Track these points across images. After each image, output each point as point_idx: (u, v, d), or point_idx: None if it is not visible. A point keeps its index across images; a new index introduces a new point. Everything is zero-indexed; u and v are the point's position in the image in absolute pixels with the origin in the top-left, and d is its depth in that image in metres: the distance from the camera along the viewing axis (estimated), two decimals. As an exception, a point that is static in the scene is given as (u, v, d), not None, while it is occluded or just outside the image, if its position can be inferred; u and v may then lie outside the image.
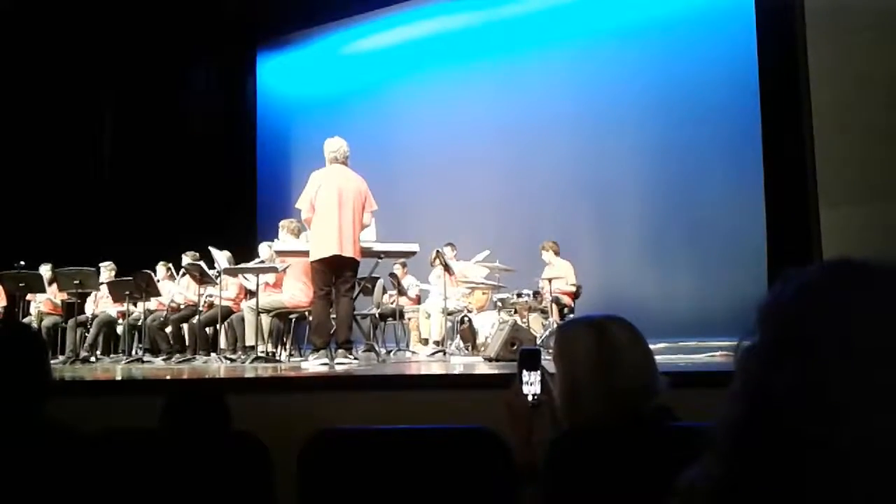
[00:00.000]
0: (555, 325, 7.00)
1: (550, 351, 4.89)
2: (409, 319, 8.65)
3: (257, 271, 6.74)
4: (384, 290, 8.79)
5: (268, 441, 1.68)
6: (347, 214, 5.64)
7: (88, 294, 8.74)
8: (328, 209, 5.62)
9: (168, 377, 3.94)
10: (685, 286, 9.27)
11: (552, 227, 9.74)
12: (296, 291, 6.58)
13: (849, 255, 0.79)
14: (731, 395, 0.78)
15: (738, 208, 8.56)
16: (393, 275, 8.59)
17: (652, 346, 5.80)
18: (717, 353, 5.26)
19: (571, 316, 7.50)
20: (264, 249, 7.48)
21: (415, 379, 2.83)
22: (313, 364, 5.46)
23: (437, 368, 4.81)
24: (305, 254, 5.87)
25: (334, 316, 5.91)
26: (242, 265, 7.17)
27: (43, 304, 8.64)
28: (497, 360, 5.01)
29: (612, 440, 1.55)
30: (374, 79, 12.12)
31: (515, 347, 5.06)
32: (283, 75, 13.15)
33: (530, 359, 1.84)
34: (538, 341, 6.06)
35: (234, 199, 12.00)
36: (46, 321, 8.47)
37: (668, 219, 9.50)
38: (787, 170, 6.25)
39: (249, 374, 4.17)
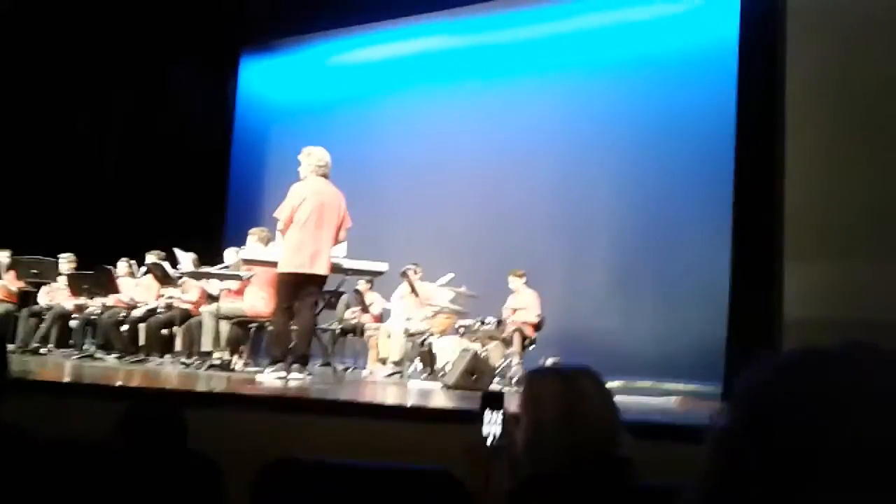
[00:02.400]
0: (515, 356, 7.02)
1: (512, 383, 4.88)
2: (370, 337, 8.58)
3: (221, 277, 6.65)
4: (347, 306, 8.73)
5: (220, 462, 1.65)
6: (326, 232, 5.59)
7: (43, 284, 8.54)
8: (308, 224, 5.55)
9: (126, 383, 3.83)
10: (647, 325, 9.34)
11: (521, 255, 9.76)
12: (257, 300, 6.51)
13: (814, 344, 0.82)
14: (701, 475, 0.79)
15: (706, 253, 8.67)
16: (357, 291, 8.54)
17: (609, 384, 5.80)
18: (674, 399, 5.29)
19: (533, 347, 7.52)
20: (230, 255, 7.39)
21: (373, 408, 2.80)
22: (269, 377, 5.38)
23: (394, 395, 4.77)
24: (273, 264, 5.79)
25: (295, 328, 5.85)
26: (206, 269, 7.07)
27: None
28: (455, 388, 4.99)
29: (573, 490, 1.55)
30: (357, 92, 12.11)
31: (475, 377, 5.05)
32: (266, 80, 13.09)
33: (494, 400, 1.83)
34: (497, 371, 6.06)
35: (203, 200, 11.84)
36: (-1, 308, 8.26)
37: (636, 257, 9.58)
38: (756, 218, 6.35)
39: (205, 388, 4.09)
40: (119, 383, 3.76)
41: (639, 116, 9.88)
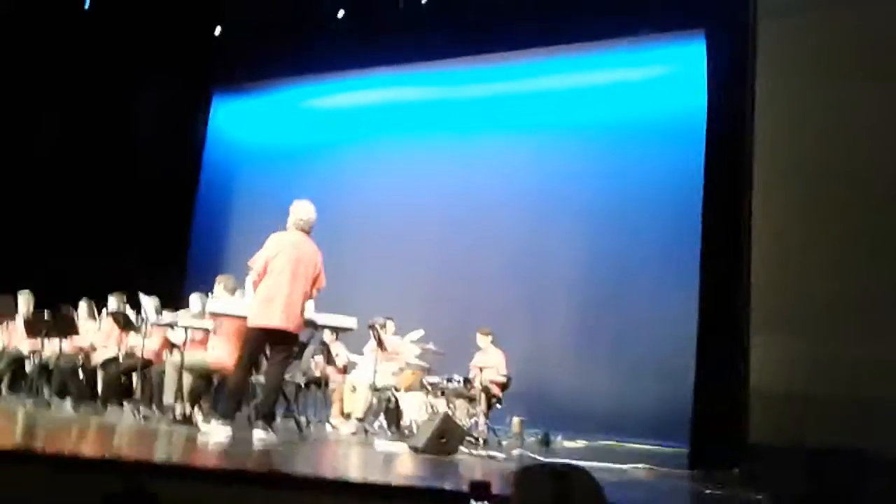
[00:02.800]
0: (482, 415, 6.97)
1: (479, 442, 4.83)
2: (333, 390, 8.47)
3: (188, 328, 6.53)
4: (311, 357, 8.62)
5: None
6: (298, 287, 5.52)
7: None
8: (281, 278, 5.48)
9: (92, 450, 3.66)
10: (611, 384, 9.39)
11: (484, 310, 9.78)
12: (222, 352, 6.37)
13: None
14: None
15: (670, 316, 8.77)
16: (323, 342, 8.44)
17: (570, 444, 5.77)
18: (641, 466, 5.29)
19: (499, 407, 7.49)
20: (196, 301, 7.24)
21: (351, 487, 2.74)
22: (217, 432, 5.25)
23: (365, 463, 4.69)
24: (243, 318, 5.70)
25: (262, 383, 5.76)
26: (170, 317, 6.93)
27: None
28: (425, 452, 4.93)
29: None
30: (327, 137, 12.15)
31: (445, 441, 5.00)
32: (237, 121, 13.07)
33: (481, 489, 1.82)
34: (465, 430, 6.01)
35: (168, 240, 11.67)
36: (-49, 348, 7.99)
37: (600, 316, 9.67)
38: (723, 288, 6.44)
39: (175, 458, 3.98)
40: (83, 451, 3.60)
41: (605, 177, 10.07)
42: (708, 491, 3.86)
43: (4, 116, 10.37)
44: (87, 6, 10.46)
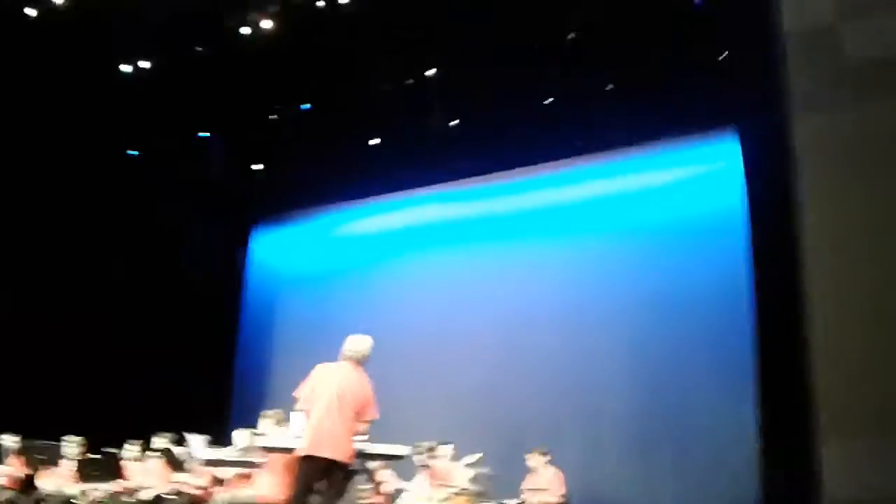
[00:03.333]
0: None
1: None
2: (383, 520, 8.18)
3: (238, 465, 6.43)
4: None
5: None
6: (344, 415, 5.45)
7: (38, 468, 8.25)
8: (325, 406, 5.44)
9: None
10: (671, 495, 8.97)
11: (535, 426, 9.53)
12: (270, 488, 6.23)
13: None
14: None
15: (729, 420, 8.45)
16: (368, 470, 8.20)
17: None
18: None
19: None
20: (242, 437, 7.16)
21: None
22: None
23: None
24: (291, 451, 5.61)
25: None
26: (218, 455, 6.85)
27: (4, 477, 8.11)
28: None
29: None
30: (367, 261, 12.28)
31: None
32: (275, 250, 13.33)
33: None
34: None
35: (210, 375, 11.74)
36: (3, 496, 7.92)
37: (654, 425, 9.33)
38: (781, 389, 6.20)
39: None
40: None
41: (647, 281, 9.94)
42: None
43: (55, 262, 10.74)
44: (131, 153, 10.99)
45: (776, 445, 6.09)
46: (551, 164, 10.87)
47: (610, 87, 9.07)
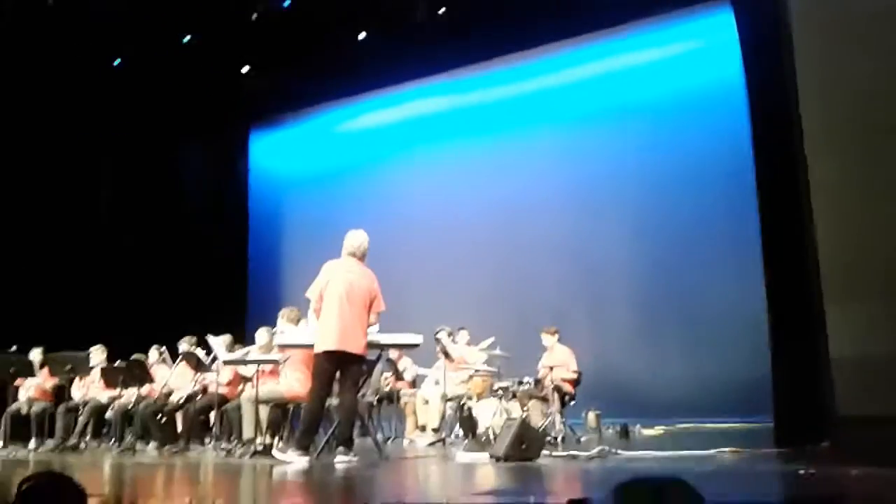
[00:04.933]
0: (557, 414, 6.94)
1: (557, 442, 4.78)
2: (405, 404, 8.54)
3: (258, 363, 6.65)
4: (380, 373, 8.69)
5: None
6: (354, 310, 5.60)
7: (74, 378, 8.57)
8: (336, 303, 5.58)
9: None
10: (679, 366, 9.28)
11: (544, 307, 9.75)
12: (294, 382, 6.48)
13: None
14: None
15: (736, 290, 8.61)
16: (389, 359, 8.50)
17: (649, 433, 5.66)
18: (727, 449, 5.19)
19: (573, 404, 7.44)
20: (262, 335, 7.37)
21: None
22: (296, 461, 5.36)
23: (451, 477, 4.69)
24: (309, 346, 5.79)
25: (337, 407, 5.82)
26: (242, 356, 7.07)
27: (34, 389, 8.44)
28: (506, 459, 4.93)
29: None
30: (366, 157, 12.26)
31: (524, 446, 4.99)
32: (275, 154, 13.29)
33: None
34: (543, 433, 5.99)
35: (225, 278, 11.98)
36: (36, 407, 8.27)
37: (662, 298, 9.55)
38: (787, 256, 6.25)
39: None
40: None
41: (650, 158, 9.94)
42: (801, 471, 3.75)
43: (67, 180, 10.78)
44: (116, 64, 10.77)
45: (785, 314, 6.17)
46: (546, 46, 10.66)
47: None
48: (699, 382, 8.97)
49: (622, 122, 10.24)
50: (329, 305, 5.62)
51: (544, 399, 7.04)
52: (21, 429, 8.18)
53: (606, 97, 10.46)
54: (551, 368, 7.25)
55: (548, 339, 7.69)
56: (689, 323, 9.27)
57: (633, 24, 10.12)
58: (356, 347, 5.60)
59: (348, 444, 5.53)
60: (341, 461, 5.35)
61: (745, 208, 7.32)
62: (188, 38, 10.55)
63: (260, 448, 6.28)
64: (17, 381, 8.43)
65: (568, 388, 7.31)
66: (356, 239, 5.86)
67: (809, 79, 6.07)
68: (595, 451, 5.37)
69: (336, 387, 5.85)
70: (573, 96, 10.70)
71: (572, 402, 7.44)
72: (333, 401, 6.15)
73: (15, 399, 8.39)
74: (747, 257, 7.48)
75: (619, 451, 5.42)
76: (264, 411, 6.50)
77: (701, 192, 9.38)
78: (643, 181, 9.86)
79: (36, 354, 8.39)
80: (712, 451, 5.17)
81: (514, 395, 6.99)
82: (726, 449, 5.20)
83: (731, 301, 8.75)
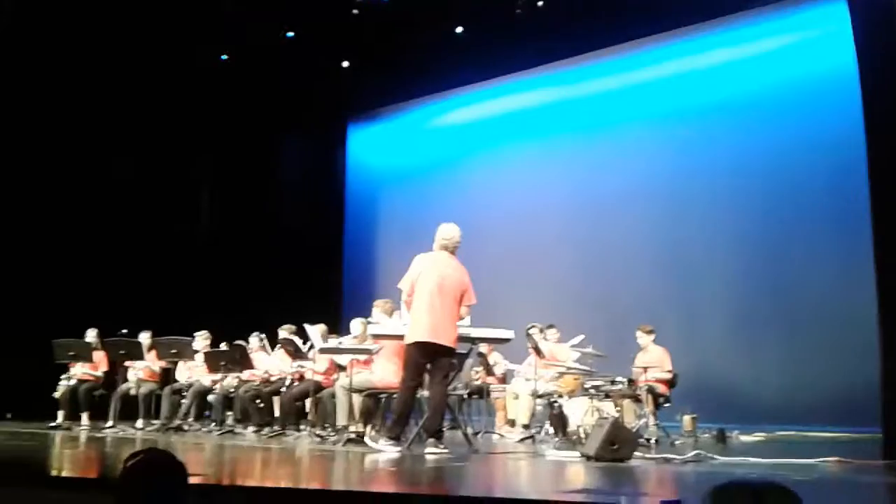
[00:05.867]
0: (650, 416, 6.80)
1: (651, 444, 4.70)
2: (496, 399, 8.55)
3: (352, 352, 6.80)
4: (471, 367, 8.73)
5: None
6: (446, 303, 5.65)
7: (179, 362, 8.97)
8: (427, 295, 5.65)
9: None
10: (783, 370, 8.90)
11: (637, 306, 9.53)
12: (387, 373, 6.60)
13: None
14: None
15: (843, 291, 8.20)
16: (480, 353, 8.52)
17: (748, 439, 5.47)
18: (831, 459, 4.97)
19: (667, 406, 7.28)
20: (357, 326, 7.56)
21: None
22: (387, 450, 5.45)
23: (546, 477, 4.66)
24: (401, 337, 5.89)
25: (427, 399, 5.90)
26: (337, 346, 7.25)
27: (142, 371, 8.90)
28: (597, 459, 4.87)
29: None
30: (459, 152, 12.31)
31: (616, 447, 4.91)
32: (372, 148, 13.51)
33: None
34: (636, 434, 5.88)
35: (322, 269, 12.29)
36: (144, 388, 8.71)
37: (761, 297, 9.18)
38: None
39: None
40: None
41: (753, 151, 9.56)
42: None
43: (171, 174, 11.32)
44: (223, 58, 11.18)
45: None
46: (640, 41, 10.42)
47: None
48: (801, 388, 8.60)
49: (719, 116, 9.90)
50: (420, 297, 5.69)
51: (638, 399, 6.91)
52: (129, 409, 8.62)
53: (703, 92, 10.13)
54: (645, 369, 7.10)
55: (643, 338, 7.54)
56: (792, 324, 8.88)
57: (736, 17, 9.77)
58: (447, 339, 5.65)
59: (438, 435, 5.59)
60: (432, 452, 5.41)
61: (853, 204, 6.95)
62: (290, 34, 10.86)
63: (353, 436, 6.43)
64: (127, 363, 8.89)
65: (662, 388, 7.15)
66: (448, 232, 5.90)
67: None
68: (690, 455, 5.24)
69: (427, 378, 5.92)
70: (669, 90, 10.40)
71: (667, 404, 7.27)
72: (425, 392, 6.23)
73: (125, 380, 8.85)
74: (855, 255, 7.12)
75: (715, 457, 5.27)
76: (357, 400, 6.64)
77: (805, 188, 8.97)
78: (742, 177, 9.50)
79: (145, 338, 8.82)
80: (814, 461, 4.96)
81: (607, 395, 6.89)
82: (830, 459, 4.98)
83: (837, 301, 8.33)
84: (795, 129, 9.26)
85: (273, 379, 8.24)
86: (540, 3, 9.83)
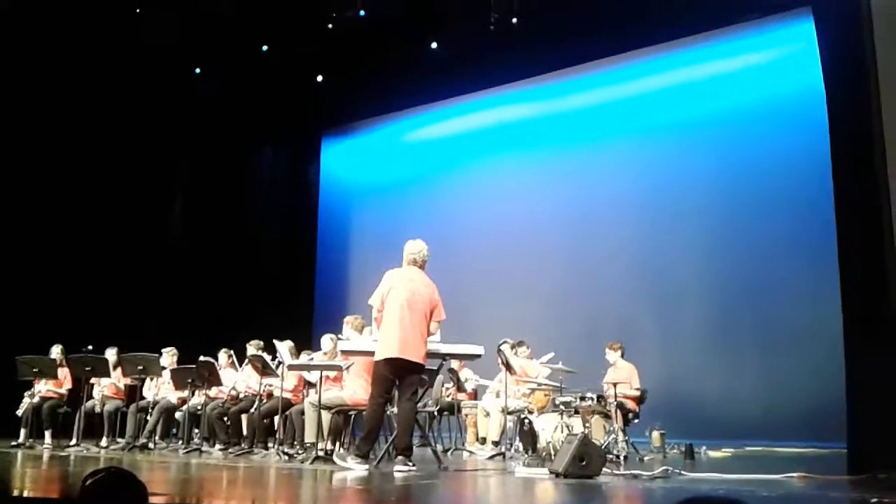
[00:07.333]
0: (619, 432, 6.80)
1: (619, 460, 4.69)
2: (466, 416, 8.52)
3: (321, 368, 6.74)
4: (441, 384, 8.70)
5: None
6: (415, 319, 5.61)
7: (146, 379, 8.83)
8: (397, 310, 5.61)
9: None
10: (750, 386, 8.99)
11: (612, 321, 9.59)
12: (357, 388, 6.53)
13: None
14: None
15: (811, 308, 8.31)
16: (451, 369, 8.50)
17: (716, 454, 5.47)
18: (796, 474, 5.00)
19: (636, 422, 7.29)
20: (327, 342, 7.49)
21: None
22: (355, 468, 5.41)
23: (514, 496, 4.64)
24: (371, 353, 5.84)
25: (396, 416, 5.84)
26: (306, 362, 7.18)
27: (107, 388, 8.75)
28: (566, 476, 4.85)
29: None
30: (433, 166, 12.32)
31: (584, 463, 4.90)
32: (345, 161, 13.48)
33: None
34: (605, 451, 5.86)
35: (293, 284, 12.20)
36: (109, 405, 8.56)
37: (733, 314, 9.27)
38: (867, 275, 5.99)
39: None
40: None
41: (724, 169, 9.70)
42: (874, 500, 3.58)
43: (143, 185, 11.20)
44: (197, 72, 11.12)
45: (861, 336, 5.90)
46: (615, 57, 10.54)
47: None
48: (770, 403, 8.69)
49: (696, 132, 10.03)
50: (390, 313, 5.66)
51: (607, 415, 6.90)
52: (94, 427, 8.46)
53: (680, 108, 10.26)
54: (615, 385, 7.11)
55: (611, 355, 7.56)
56: (761, 342, 8.98)
57: (710, 35, 9.92)
58: (416, 356, 5.61)
59: (407, 452, 5.53)
60: (400, 470, 5.36)
61: (821, 222, 7.06)
62: (265, 47, 10.83)
63: (321, 453, 6.35)
64: (93, 380, 8.72)
65: (631, 405, 7.16)
66: (415, 247, 5.89)
67: (891, 88, 5.85)
68: (658, 471, 5.24)
69: (396, 395, 5.87)
70: (646, 106, 10.51)
71: (636, 420, 7.29)
72: (394, 409, 6.18)
73: (90, 398, 8.68)
74: (824, 273, 7.20)
75: (683, 472, 5.27)
76: (326, 417, 6.57)
77: (776, 205, 9.10)
78: (717, 193, 9.62)
79: (111, 354, 8.68)
80: (781, 476, 4.98)
81: (577, 411, 6.88)
82: (795, 474, 5.00)
83: (806, 320, 8.44)
84: (767, 146, 9.39)
85: (241, 396, 8.13)
86: (514, 20, 9.90)
